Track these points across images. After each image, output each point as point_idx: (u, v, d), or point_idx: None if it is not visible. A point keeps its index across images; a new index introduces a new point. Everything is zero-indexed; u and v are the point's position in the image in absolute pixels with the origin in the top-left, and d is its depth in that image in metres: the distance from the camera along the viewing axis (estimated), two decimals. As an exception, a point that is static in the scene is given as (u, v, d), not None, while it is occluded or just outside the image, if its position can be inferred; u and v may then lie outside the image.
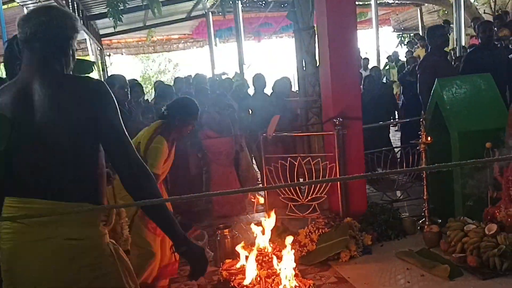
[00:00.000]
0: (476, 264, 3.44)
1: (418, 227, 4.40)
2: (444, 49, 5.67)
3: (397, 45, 16.48)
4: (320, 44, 4.86)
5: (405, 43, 15.68)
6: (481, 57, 5.59)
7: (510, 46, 8.49)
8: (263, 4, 11.08)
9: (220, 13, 10.49)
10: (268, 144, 4.90)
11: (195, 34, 15.57)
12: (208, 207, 5.98)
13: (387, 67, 12.71)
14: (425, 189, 4.39)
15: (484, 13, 13.18)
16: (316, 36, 5.04)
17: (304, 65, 5.30)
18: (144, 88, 6.89)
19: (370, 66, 12.35)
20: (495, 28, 10.02)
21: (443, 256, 3.73)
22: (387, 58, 13.21)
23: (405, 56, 12.16)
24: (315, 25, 5.13)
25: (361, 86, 7.17)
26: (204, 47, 16.29)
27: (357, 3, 12.79)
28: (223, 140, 5.81)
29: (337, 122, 4.43)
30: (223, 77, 11.72)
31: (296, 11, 5.16)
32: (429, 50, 5.41)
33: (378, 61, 12.36)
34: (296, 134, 4.91)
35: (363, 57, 14.30)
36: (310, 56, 5.23)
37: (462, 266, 3.50)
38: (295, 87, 6.75)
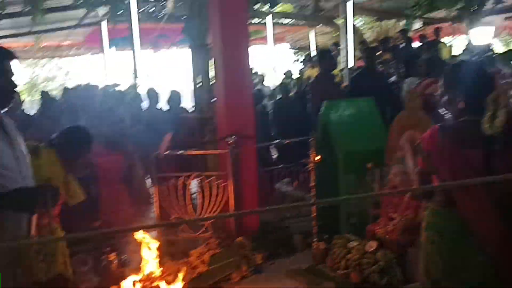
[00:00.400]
0: (358, 280, 3.61)
1: (308, 244, 4.52)
2: (332, 72, 6.00)
3: (294, 62, 17.14)
4: (215, 61, 4.87)
5: (300, 61, 16.37)
6: (365, 81, 5.97)
7: (391, 70, 9.24)
8: (159, 16, 10.88)
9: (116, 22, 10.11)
10: (161, 162, 4.76)
11: (89, 41, 14.84)
12: (94, 226, 5.65)
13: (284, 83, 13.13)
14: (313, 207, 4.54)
15: (370, 37, 14.23)
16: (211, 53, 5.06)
17: (199, 82, 5.28)
18: (25, 96, 6.39)
19: (265, 82, 12.73)
20: (379, 53, 10.89)
21: (329, 273, 3.87)
22: (284, 74, 13.64)
23: (299, 73, 12.66)
24: (210, 42, 5.15)
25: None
26: (99, 55, 15.60)
27: (253, 21, 13.24)
28: (113, 157, 5.55)
29: (230, 141, 4.44)
30: (117, 88, 11.27)
31: (192, 29, 5.14)
32: (319, 73, 5.67)
33: (275, 76, 12.74)
34: (189, 153, 4.83)
35: (259, 72, 14.72)
36: (205, 73, 5.22)
37: (346, 283, 3.66)
38: (191, 103, 6.70)
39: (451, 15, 6.53)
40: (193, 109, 5.48)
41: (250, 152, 4.57)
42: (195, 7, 5.02)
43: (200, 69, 5.16)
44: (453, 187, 1.96)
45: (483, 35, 9.32)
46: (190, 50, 5.25)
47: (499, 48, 11.92)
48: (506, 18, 11.97)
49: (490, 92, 2.06)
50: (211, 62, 5.14)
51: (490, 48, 6.44)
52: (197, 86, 5.35)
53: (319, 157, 4.47)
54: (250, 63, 4.87)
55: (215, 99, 4.91)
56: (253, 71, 14.22)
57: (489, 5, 8.29)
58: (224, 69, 4.58)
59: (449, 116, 2.27)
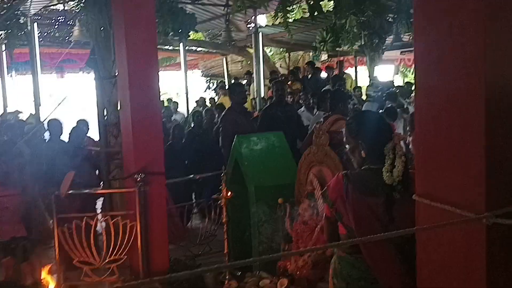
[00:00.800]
0: (271, 319, 3.57)
1: (220, 282, 4.42)
2: (244, 104, 6.04)
3: (205, 90, 17.14)
4: (121, 93, 4.69)
5: (213, 88, 16.41)
6: (274, 113, 6.08)
7: (300, 101, 9.53)
8: (65, 40, 10.42)
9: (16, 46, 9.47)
10: (62, 201, 4.45)
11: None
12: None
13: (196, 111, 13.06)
14: (226, 243, 4.46)
15: (280, 67, 14.66)
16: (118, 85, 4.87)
17: (105, 114, 5.05)
18: None
19: (179, 109, 12.59)
20: (289, 82, 11.23)
21: (242, 313, 3.80)
22: (195, 102, 13.57)
23: (209, 102, 12.67)
24: (117, 73, 4.96)
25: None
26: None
27: (166, 47, 13.12)
28: (8, 194, 5.11)
29: (138, 178, 4.26)
30: (19, 116, 10.51)
31: (97, 59, 4.92)
32: (230, 106, 5.68)
33: (187, 103, 12.59)
34: (93, 191, 4.57)
35: (173, 99, 14.55)
36: (112, 105, 5.01)
37: (258, 322, 3.60)
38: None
39: (353, 49, 6.91)
40: (99, 142, 5.21)
41: (159, 190, 4.40)
42: (99, 37, 4.82)
43: (106, 102, 4.94)
44: (359, 238, 1.98)
45: (385, 71, 10.02)
46: (95, 82, 5.00)
47: (399, 82, 12.83)
48: (401, 53, 13.01)
49: (388, 141, 2.14)
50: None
51: (392, 83, 6.90)
52: (104, 118, 5.11)
53: (230, 192, 4.45)
54: (159, 94, 4.75)
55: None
56: (167, 98, 14.14)
57: (388, 42, 8.90)
58: (131, 102, 4.41)
59: (353, 163, 2.33)
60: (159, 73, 4.64)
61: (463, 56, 1.64)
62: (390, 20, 6.27)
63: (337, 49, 7.48)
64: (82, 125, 6.01)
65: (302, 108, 7.98)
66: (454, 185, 1.68)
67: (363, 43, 6.72)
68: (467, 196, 1.62)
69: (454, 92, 1.67)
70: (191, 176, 5.77)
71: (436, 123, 1.74)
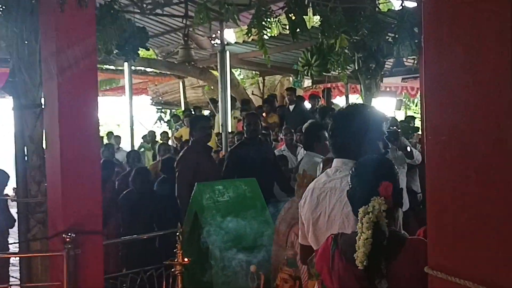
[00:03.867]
0: None
1: None
2: (207, 143, 6.03)
3: (156, 122, 17.14)
4: (48, 127, 4.62)
5: (165, 120, 16.44)
6: (246, 154, 6.07)
7: (279, 138, 9.59)
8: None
9: None
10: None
11: None
12: None
13: (142, 149, 12.98)
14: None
15: (253, 94, 14.83)
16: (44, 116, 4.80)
17: (26, 155, 4.95)
18: None
19: (122, 145, 12.49)
20: (264, 114, 11.33)
21: None
22: (142, 138, 13.55)
23: (161, 138, 12.64)
24: (43, 102, 4.89)
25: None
26: None
27: (106, 67, 13.12)
28: None
29: (67, 239, 4.15)
30: None
31: (18, 82, 4.84)
32: (189, 146, 5.67)
33: (132, 137, 12.50)
34: (6, 255, 4.43)
35: (115, 132, 14.47)
36: (35, 143, 4.91)
37: None
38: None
39: (345, 75, 7.04)
40: (17, 191, 5.10)
41: (95, 253, 4.30)
42: (22, 53, 4.76)
43: (27, 139, 4.83)
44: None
45: (384, 104, 10.22)
46: (13, 111, 4.91)
47: (401, 116, 13.14)
48: (403, 80, 13.39)
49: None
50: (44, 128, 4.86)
51: (396, 122, 7.03)
52: (24, 158, 5.01)
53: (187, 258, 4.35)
54: (98, 128, 4.72)
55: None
56: (106, 132, 14.04)
57: (387, 67, 9.11)
58: (61, 137, 4.35)
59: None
60: (97, 100, 4.61)
61: (488, 89, 1.66)
62: (390, 40, 6.42)
63: (324, 74, 7.61)
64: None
65: (283, 147, 8.03)
66: (475, 257, 1.69)
67: (357, 67, 6.84)
68: (489, 271, 1.64)
69: (476, 141, 1.69)
70: (134, 236, 5.69)
71: (452, 180, 1.76)
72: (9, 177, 6.05)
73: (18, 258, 5.11)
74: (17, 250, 5.07)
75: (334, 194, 2.64)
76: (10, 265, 5.63)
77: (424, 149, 1.93)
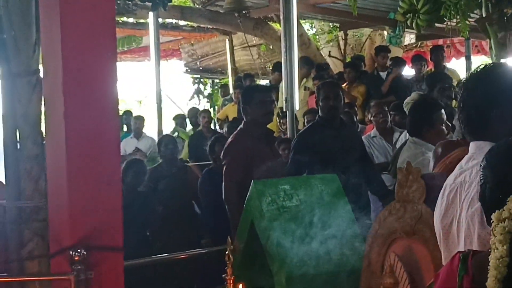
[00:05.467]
0: None
1: None
2: (266, 123, 6.07)
3: (192, 97, 17.29)
4: (48, 103, 4.74)
5: (206, 94, 16.58)
6: (321, 141, 6.07)
7: (366, 118, 9.53)
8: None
9: None
10: None
11: None
12: None
13: (176, 134, 13.16)
14: None
15: (329, 56, 14.76)
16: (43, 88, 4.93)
17: (18, 141, 5.11)
18: None
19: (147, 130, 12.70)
20: (346, 84, 11.29)
21: None
22: (173, 119, 13.70)
23: (200, 119, 12.78)
24: (40, 69, 5.03)
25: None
26: None
27: (125, 19, 13.32)
28: None
29: (76, 257, 4.27)
30: None
31: (7, 41, 5.00)
32: (242, 126, 5.71)
33: (160, 119, 12.67)
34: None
35: (135, 112, 14.68)
36: (31, 125, 5.06)
37: None
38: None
39: (466, 26, 6.89)
40: (7, 191, 5.26)
41: (114, 277, 4.41)
42: (13, 3, 4.91)
43: (20, 117, 4.99)
44: None
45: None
46: (0, 81, 5.08)
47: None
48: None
49: None
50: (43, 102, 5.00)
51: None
52: (16, 145, 5.18)
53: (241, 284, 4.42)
54: (117, 105, 4.80)
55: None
56: (123, 111, 14.29)
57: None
58: (66, 117, 4.45)
59: None
60: (116, 64, 4.69)
61: None
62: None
63: (435, 25, 7.43)
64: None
65: (372, 132, 7.99)
66: None
67: (484, 14, 6.68)
68: None
69: None
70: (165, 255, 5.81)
71: None
72: None
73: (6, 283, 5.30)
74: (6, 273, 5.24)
75: (464, 190, 2.63)
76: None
77: None
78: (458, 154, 4.15)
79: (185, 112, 14.22)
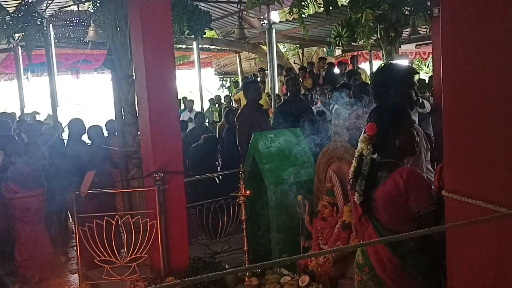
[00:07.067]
0: (292, 317, 3.55)
1: (240, 280, 4.41)
2: (259, 101, 6.01)
3: (219, 88, 17.14)
4: (138, 93, 4.68)
5: (226, 86, 16.41)
6: (289, 110, 6.02)
7: (316, 96, 9.44)
8: (81, 41, 10.49)
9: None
10: (82, 201, 4.47)
11: (3, 67, 13.98)
12: (12, 269, 5.22)
13: (211, 109, 13.07)
14: (245, 240, 4.44)
15: (294, 63, 14.57)
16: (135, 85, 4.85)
17: (123, 115, 5.06)
18: None
19: (195, 107, 12.59)
20: (301, 79, 11.15)
21: (263, 310, 3.78)
22: (209, 100, 13.59)
23: (224, 100, 12.68)
24: (134, 74, 4.96)
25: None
26: (14, 80, 14.69)
27: (179, 46, 13.11)
28: (32, 195, 5.17)
29: (157, 177, 4.26)
30: (37, 117, 10.61)
31: (114, 59, 4.93)
32: (245, 104, 5.65)
33: (202, 101, 12.60)
34: (112, 191, 4.59)
35: (188, 97, 14.53)
36: (129, 105, 5.02)
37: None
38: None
39: (369, 44, 6.84)
40: (117, 142, 5.23)
41: (178, 188, 4.40)
42: (116, 37, 4.82)
43: (123, 102, 4.94)
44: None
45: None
46: (112, 82, 5.01)
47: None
48: (416, 46, 12.88)
49: None
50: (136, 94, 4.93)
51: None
52: (122, 117, 5.13)
53: (248, 191, 4.41)
54: (177, 93, 4.74)
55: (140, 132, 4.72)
56: (182, 97, 14.15)
57: (404, 36, 8.76)
58: (149, 101, 4.40)
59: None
60: (175, 72, 4.63)
61: (498, 47, 1.58)
62: (406, 13, 6.16)
63: (352, 43, 7.40)
64: (98, 128, 5.98)
65: (319, 104, 7.92)
66: (485, 180, 1.63)
67: (379, 37, 6.63)
68: (500, 191, 1.58)
69: (486, 86, 1.62)
70: (206, 175, 5.78)
71: (466, 117, 1.70)
72: (101, 128, 6.11)
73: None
74: (120, 187, 5.24)
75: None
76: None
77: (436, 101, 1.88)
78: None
79: (215, 96, 14.13)
